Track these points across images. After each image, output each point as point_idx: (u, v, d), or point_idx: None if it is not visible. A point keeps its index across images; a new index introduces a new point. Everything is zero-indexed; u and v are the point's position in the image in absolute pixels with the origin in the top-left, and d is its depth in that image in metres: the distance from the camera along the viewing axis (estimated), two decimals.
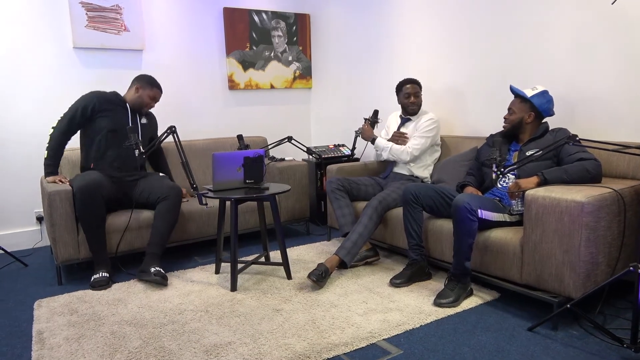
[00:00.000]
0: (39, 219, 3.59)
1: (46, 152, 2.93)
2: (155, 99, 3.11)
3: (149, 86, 3.07)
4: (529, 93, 2.47)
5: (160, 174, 3.22)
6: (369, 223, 2.77)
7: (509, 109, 2.55)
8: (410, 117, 3.22)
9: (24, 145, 3.48)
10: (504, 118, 2.56)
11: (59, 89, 3.55)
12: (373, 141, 3.25)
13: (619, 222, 2.12)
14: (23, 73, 3.43)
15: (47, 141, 2.94)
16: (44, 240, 3.62)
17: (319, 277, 2.55)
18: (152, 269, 2.69)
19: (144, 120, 3.17)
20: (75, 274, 2.97)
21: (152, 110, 3.30)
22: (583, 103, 2.65)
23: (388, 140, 3.23)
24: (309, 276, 2.55)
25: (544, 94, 2.47)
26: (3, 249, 3.18)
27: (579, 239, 1.99)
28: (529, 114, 2.48)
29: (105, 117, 2.98)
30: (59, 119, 2.95)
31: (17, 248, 3.55)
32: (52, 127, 2.95)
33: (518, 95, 2.52)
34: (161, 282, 2.66)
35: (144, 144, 3.09)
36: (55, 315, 2.35)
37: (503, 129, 2.58)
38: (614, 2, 2.42)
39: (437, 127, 3.14)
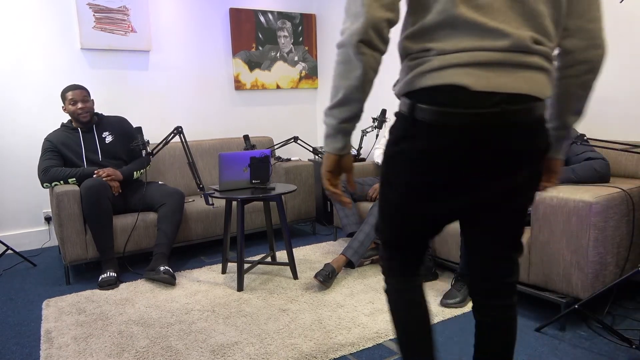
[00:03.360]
0: (47, 219, 3.61)
1: (67, 179, 2.83)
2: (75, 100, 2.93)
3: (63, 98, 2.96)
4: None
5: (160, 182, 3.22)
6: (365, 240, 2.76)
7: None
8: None
9: (32, 146, 3.51)
10: None
11: None
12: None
13: (628, 222, 2.10)
14: (31, 74, 3.45)
15: (54, 177, 2.82)
16: (52, 240, 3.65)
17: (326, 278, 2.55)
18: (161, 268, 2.71)
19: (108, 138, 3.05)
20: (83, 274, 2.99)
21: (119, 115, 3.23)
22: (591, 102, 2.63)
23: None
24: (316, 276, 2.55)
25: None
26: (12, 249, 3.20)
27: (587, 239, 1.97)
28: None
29: (70, 154, 2.94)
30: (40, 170, 2.86)
31: (25, 248, 3.57)
32: (45, 182, 2.84)
33: None
34: (170, 280, 2.67)
35: (125, 156, 3.06)
36: (63, 315, 2.36)
37: None
38: (622, 0, 2.41)
39: None
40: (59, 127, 3.07)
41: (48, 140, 2.95)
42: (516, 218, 1.14)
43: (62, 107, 3.01)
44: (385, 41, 1.02)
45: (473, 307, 1.25)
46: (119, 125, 3.15)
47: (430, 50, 1.01)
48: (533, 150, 1.06)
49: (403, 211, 1.15)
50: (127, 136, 3.11)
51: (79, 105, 2.95)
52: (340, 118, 1.07)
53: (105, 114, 3.27)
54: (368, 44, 0.99)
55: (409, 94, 1.06)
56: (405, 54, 1.08)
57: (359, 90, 1.03)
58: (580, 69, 1.10)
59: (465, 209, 1.12)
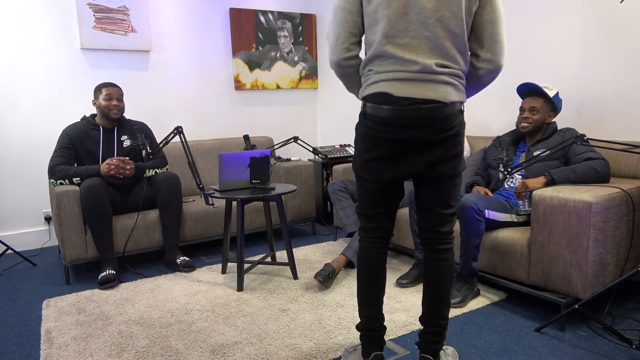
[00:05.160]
0: (47, 219, 3.61)
1: (72, 179, 2.82)
2: (111, 96, 2.94)
3: (98, 92, 2.97)
4: (549, 93, 2.44)
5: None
6: None
7: (532, 108, 2.43)
8: None
9: (32, 146, 3.51)
10: (525, 117, 2.44)
11: (67, 90, 3.57)
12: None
13: (628, 222, 2.10)
14: (31, 74, 3.45)
15: (60, 176, 2.82)
16: (52, 240, 3.65)
17: (326, 278, 2.55)
18: (178, 260, 2.93)
19: (126, 142, 3.03)
20: (83, 274, 2.99)
21: (139, 121, 3.22)
22: (591, 102, 2.63)
23: None
24: (316, 276, 2.55)
25: (558, 94, 2.46)
26: (12, 249, 3.20)
27: (587, 240, 1.97)
28: (550, 114, 2.45)
29: (84, 153, 2.94)
30: (49, 165, 2.86)
31: (25, 248, 3.57)
32: (51, 178, 2.85)
33: (541, 94, 2.43)
34: (190, 270, 2.93)
35: (138, 160, 3.02)
36: (63, 315, 2.36)
37: (523, 129, 2.46)
38: (622, 0, 2.41)
39: None
40: (80, 119, 3.04)
41: (67, 134, 2.94)
42: (440, 184, 1.61)
43: (93, 101, 2.99)
44: (352, 57, 1.64)
45: (423, 253, 1.74)
46: (136, 128, 3.07)
47: (371, 70, 1.60)
48: (443, 135, 1.55)
49: (363, 178, 1.67)
50: (149, 142, 3.07)
51: (114, 102, 2.96)
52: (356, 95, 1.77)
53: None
54: (340, 66, 1.67)
55: (363, 98, 1.63)
56: (361, 74, 1.67)
57: (350, 88, 1.76)
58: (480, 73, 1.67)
59: (401, 177, 1.62)
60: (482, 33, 1.58)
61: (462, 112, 1.60)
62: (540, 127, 2.45)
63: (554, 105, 2.44)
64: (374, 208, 1.69)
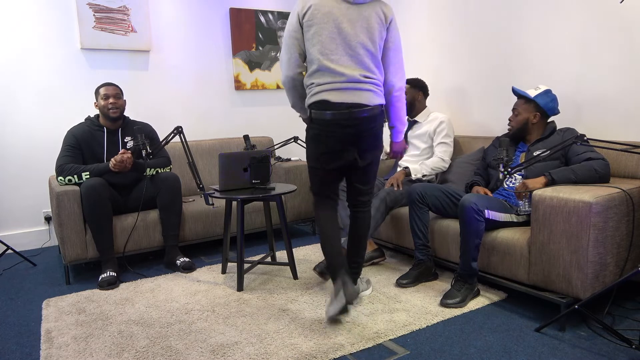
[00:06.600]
0: (47, 219, 3.62)
1: (81, 174, 2.81)
2: (108, 96, 2.92)
3: (97, 93, 2.96)
4: (532, 93, 2.45)
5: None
6: (376, 214, 2.77)
7: (514, 109, 2.52)
8: (417, 120, 3.19)
9: (32, 146, 3.51)
10: (509, 120, 2.54)
11: (67, 89, 3.57)
12: (408, 174, 3.04)
13: (628, 222, 2.10)
14: (31, 74, 3.45)
15: (69, 173, 2.82)
16: (52, 240, 3.65)
17: (323, 269, 2.55)
18: (178, 261, 2.93)
19: (130, 144, 3.03)
20: (83, 274, 2.99)
21: (141, 120, 3.20)
22: (591, 103, 2.63)
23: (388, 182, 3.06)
24: (315, 268, 2.56)
25: (547, 93, 2.45)
26: (12, 249, 3.20)
27: (587, 240, 1.97)
28: (534, 114, 2.46)
29: (89, 154, 2.93)
30: (57, 165, 2.86)
31: (25, 248, 3.57)
32: (59, 176, 2.84)
33: (521, 96, 2.50)
34: (189, 271, 2.92)
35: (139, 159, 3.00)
36: (63, 315, 2.37)
37: (508, 131, 2.55)
38: (622, 0, 2.41)
39: (450, 126, 3.10)
40: (84, 120, 3.03)
41: (72, 134, 2.93)
42: (364, 171, 2.20)
43: (94, 103, 2.99)
44: (301, 72, 2.16)
45: (350, 211, 2.31)
46: (138, 128, 3.02)
47: (312, 83, 2.09)
48: (370, 133, 2.08)
49: (315, 168, 2.19)
50: (149, 142, 3.05)
51: (111, 100, 2.93)
52: (298, 113, 2.32)
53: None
54: (291, 83, 2.18)
55: (309, 106, 2.11)
56: (305, 86, 2.15)
57: (296, 101, 2.25)
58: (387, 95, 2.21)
59: (342, 165, 2.14)
60: (384, 59, 2.15)
61: (382, 112, 2.12)
62: (523, 128, 2.49)
63: (537, 104, 2.44)
64: (324, 188, 2.22)
